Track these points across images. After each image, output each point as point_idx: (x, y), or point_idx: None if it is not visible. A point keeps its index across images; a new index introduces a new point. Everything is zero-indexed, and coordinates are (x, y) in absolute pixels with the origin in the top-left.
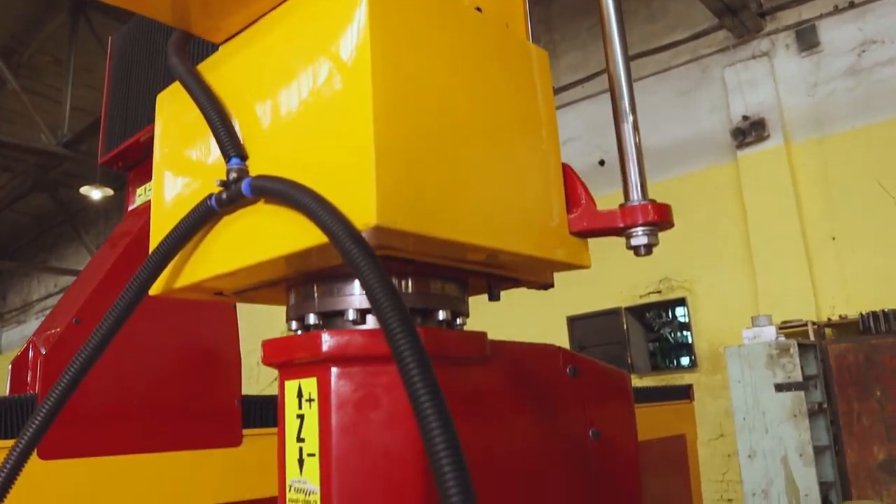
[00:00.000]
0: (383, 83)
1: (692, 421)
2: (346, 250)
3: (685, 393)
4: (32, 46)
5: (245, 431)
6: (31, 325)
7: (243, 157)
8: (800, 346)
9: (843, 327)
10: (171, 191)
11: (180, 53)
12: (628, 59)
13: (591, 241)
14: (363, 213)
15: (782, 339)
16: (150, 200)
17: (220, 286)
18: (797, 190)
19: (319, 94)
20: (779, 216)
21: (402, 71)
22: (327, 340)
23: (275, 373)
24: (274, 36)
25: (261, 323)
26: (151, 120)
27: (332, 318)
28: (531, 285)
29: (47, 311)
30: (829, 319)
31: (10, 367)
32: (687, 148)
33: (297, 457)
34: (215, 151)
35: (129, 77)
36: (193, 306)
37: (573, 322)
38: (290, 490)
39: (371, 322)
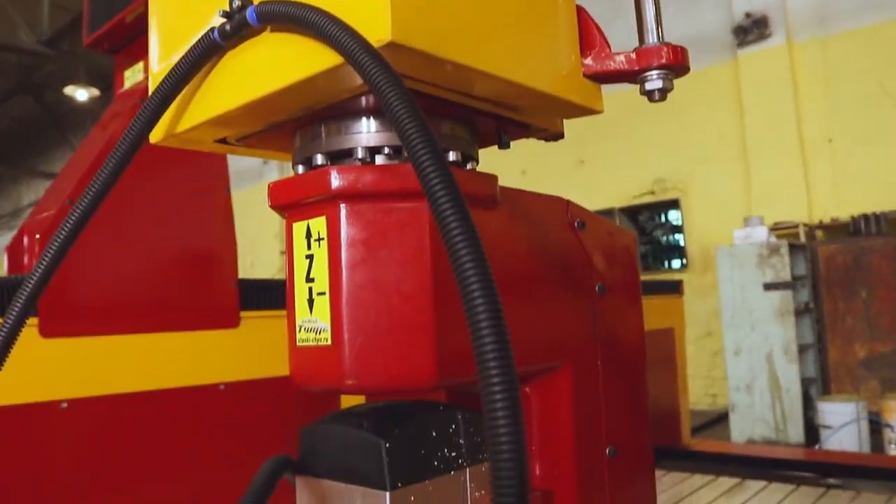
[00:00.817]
0: None
1: (681, 315)
2: (362, 64)
3: (675, 288)
4: None
5: (242, 314)
6: None
7: None
8: (790, 246)
9: (834, 230)
10: (170, 30)
11: None
12: None
13: (588, 144)
14: (377, 29)
15: (773, 239)
16: (139, 82)
17: (224, 130)
18: (797, 90)
19: None
20: (777, 117)
21: None
22: (337, 176)
23: (271, 269)
24: None
25: (250, 234)
26: None
27: (339, 159)
28: (541, 135)
29: None
30: (820, 222)
31: (5, 253)
32: (687, 46)
33: (307, 297)
34: None
35: None
36: (191, 192)
37: None
38: (300, 331)
39: (380, 160)
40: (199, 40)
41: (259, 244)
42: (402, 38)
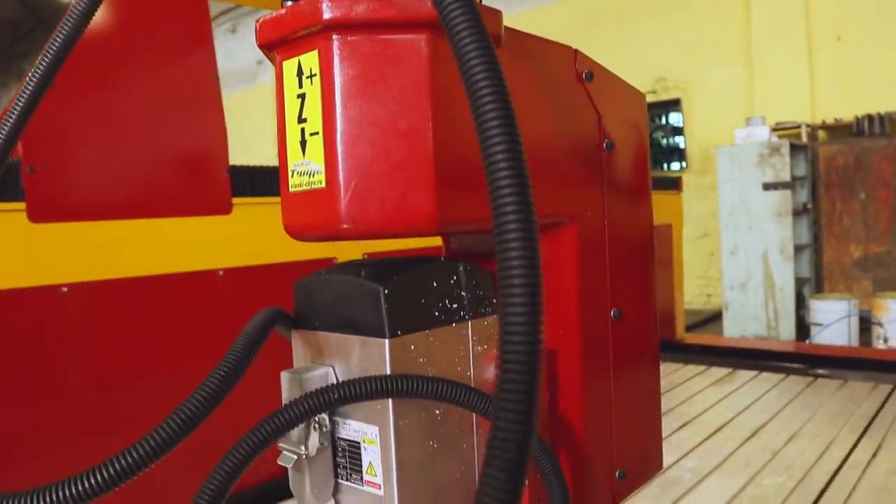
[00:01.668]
0: None
1: (679, 212)
2: None
3: (674, 184)
4: None
5: (235, 200)
6: None
7: None
8: (791, 146)
9: (837, 130)
10: None
11: None
12: None
13: (590, 38)
14: None
15: (775, 139)
16: None
17: None
18: None
19: None
20: (784, 13)
21: None
22: (328, 6)
23: None
24: None
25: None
26: None
27: None
28: None
29: None
30: (823, 122)
31: None
32: None
33: (299, 139)
34: None
35: None
36: (178, 79)
37: None
38: (292, 176)
39: None
40: None
41: (255, 146)
42: None
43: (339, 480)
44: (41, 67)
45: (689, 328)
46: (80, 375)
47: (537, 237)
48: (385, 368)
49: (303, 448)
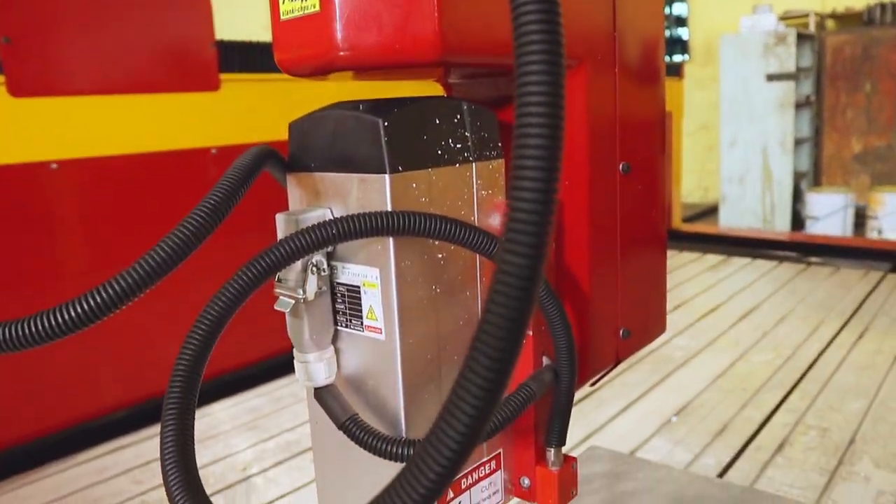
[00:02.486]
0: None
1: (680, 100)
2: None
3: (675, 71)
4: None
5: (223, 76)
6: None
7: None
8: (798, 36)
9: (847, 19)
10: None
11: None
12: None
13: None
14: None
15: (781, 28)
16: None
17: None
18: None
19: None
20: None
21: None
22: None
23: None
24: None
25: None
26: None
27: None
28: None
29: None
30: (833, 10)
31: None
32: None
33: None
34: None
35: None
36: None
37: None
38: (283, 2)
39: None
40: None
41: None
42: None
43: (338, 327)
44: None
45: (685, 221)
46: (72, 254)
47: (563, 71)
48: (386, 206)
49: (300, 292)
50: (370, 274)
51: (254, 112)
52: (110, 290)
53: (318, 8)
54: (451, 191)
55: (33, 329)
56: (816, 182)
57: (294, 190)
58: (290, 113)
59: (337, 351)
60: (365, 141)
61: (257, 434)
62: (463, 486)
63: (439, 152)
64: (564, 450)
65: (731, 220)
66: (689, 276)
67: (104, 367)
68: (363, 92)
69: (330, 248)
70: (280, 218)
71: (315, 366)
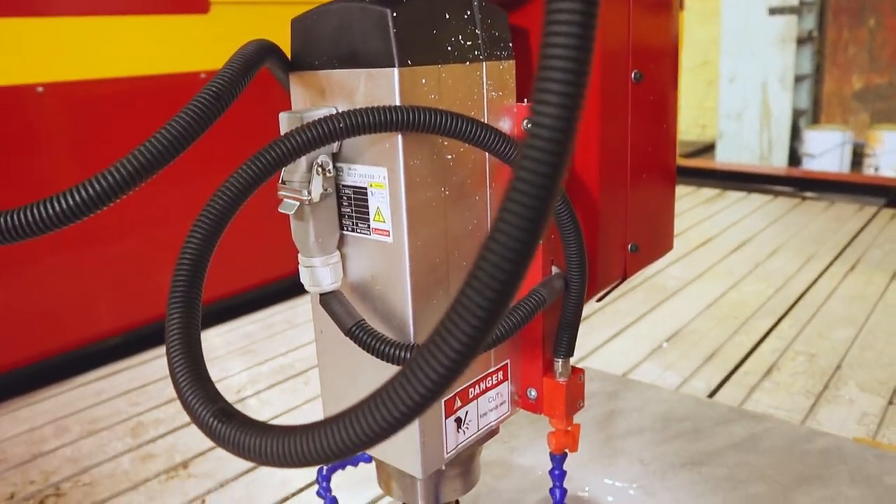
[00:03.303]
0: None
1: (679, 32)
2: None
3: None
4: None
5: None
6: None
7: None
8: None
9: None
10: None
11: None
12: None
13: None
14: None
15: None
16: None
17: None
18: None
19: None
20: None
21: None
22: None
23: None
24: None
25: None
26: None
27: None
28: None
29: None
30: None
31: None
32: None
33: None
34: None
35: None
36: None
37: None
38: None
39: None
40: None
41: None
42: None
43: (344, 232)
44: None
45: (681, 157)
46: (58, 179)
47: None
48: (394, 102)
49: (305, 193)
50: (378, 174)
51: (244, 37)
52: (110, 179)
53: None
54: (461, 89)
55: (33, 217)
56: (815, 120)
57: (297, 90)
58: (282, 39)
59: (343, 257)
60: (372, 34)
61: (252, 358)
62: (470, 396)
63: (449, 48)
64: None
65: (727, 157)
66: (683, 209)
67: (100, 293)
68: None
69: (336, 149)
70: (283, 117)
71: (321, 270)
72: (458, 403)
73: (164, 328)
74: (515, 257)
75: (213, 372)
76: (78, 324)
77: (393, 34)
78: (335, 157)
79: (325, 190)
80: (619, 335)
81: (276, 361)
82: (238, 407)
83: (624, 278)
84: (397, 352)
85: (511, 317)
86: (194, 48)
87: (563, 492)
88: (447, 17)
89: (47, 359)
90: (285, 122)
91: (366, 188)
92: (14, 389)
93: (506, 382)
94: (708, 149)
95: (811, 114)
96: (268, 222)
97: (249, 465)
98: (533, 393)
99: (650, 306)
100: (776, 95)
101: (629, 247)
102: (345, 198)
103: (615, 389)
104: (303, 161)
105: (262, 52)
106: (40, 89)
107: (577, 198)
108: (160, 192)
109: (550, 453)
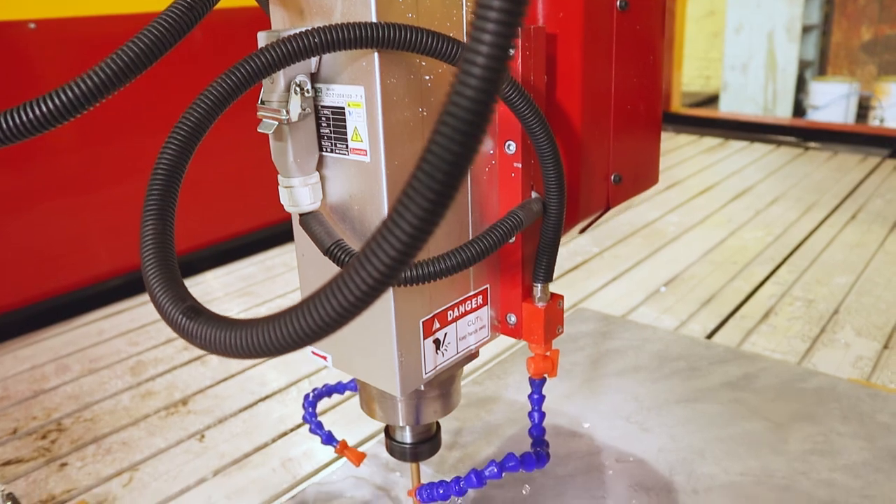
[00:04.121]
0: None
1: None
2: None
3: None
4: None
5: None
6: None
7: None
8: None
9: None
10: None
11: None
12: None
13: None
14: None
15: None
16: None
17: None
18: None
19: None
20: None
21: None
22: None
23: None
24: None
25: None
26: None
27: None
28: None
29: None
30: None
31: None
32: None
33: None
34: None
35: None
36: None
37: None
38: None
39: None
40: None
41: None
42: None
43: (324, 153)
44: None
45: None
46: None
47: None
48: (370, 19)
49: (284, 113)
50: (355, 93)
51: None
52: (94, 79)
53: None
54: (439, 10)
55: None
56: (821, 72)
57: (277, 10)
58: None
59: (322, 178)
60: None
61: (250, 299)
62: (449, 318)
63: None
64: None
65: (731, 109)
66: (685, 158)
67: (100, 235)
68: None
69: (314, 69)
70: (262, 35)
71: (299, 190)
72: (437, 325)
73: (139, 234)
74: (464, 136)
75: None
76: (78, 265)
77: None
78: (314, 78)
79: (304, 110)
80: (617, 279)
81: (275, 303)
82: None
83: (607, 209)
84: None
85: (488, 237)
86: None
87: (542, 415)
88: None
89: (48, 299)
90: (263, 40)
91: (343, 108)
92: (16, 329)
93: (485, 307)
94: (712, 100)
95: (818, 66)
96: (266, 166)
97: (248, 402)
98: (512, 318)
99: (649, 252)
100: (782, 46)
101: (612, 177)
102: (323, 118)
103: (611, 329)
104: (281, 81)
105: None
106: (32, 25)
107: (559, 125)
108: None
109: (529, 378)
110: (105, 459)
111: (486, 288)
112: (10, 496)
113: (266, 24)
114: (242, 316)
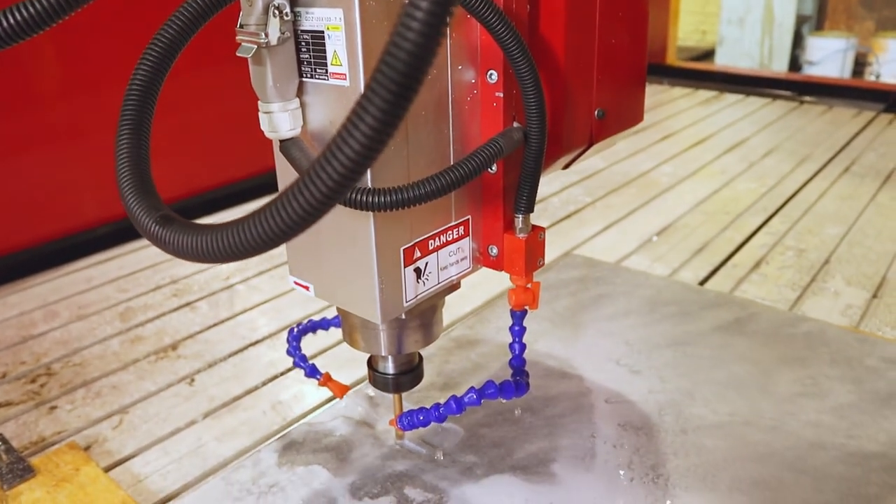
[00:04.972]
0: None
1: None
2: None
3: None
4: None
5: None
6: None
7: None
8: None
9: None
10: None
11: None
12: None
13: None
14: None
15: None
16: None
17: None
18: None
19: None
20: None
21: None
22: None
23: None
24: None
25: None
26: None
27: None
28: None
29: None
30: None
31: None
32: None
33: None
34: None
35: None
36: None
37: None
38: None
39: None
40: None
41: None
42: None
43: (304, 79)
44: None
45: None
46: (34, 49)
47: None
48: None
49: (263, 36)
50: (334, 16)
51: None
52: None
53: None
54: None
55: None
56: (819, 27)
57: None
58: None
59: (303, 105)
60: None
61: None
62: (430, 248)
63: None
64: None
65: (727, 64)
66: (679, 110)
67: (87, 183)
68: None
69: None
70: None
71: (279, 115)
72: (418, 254)
73: (114, 146)
74: (425, 34)
75: None
76: (66, 213)
77: None
78: (293, 3)
79: (283, 34)
80: (609, 228)
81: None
82: (227, 293)
83: (590, 145)
84: (356, 195)
85: (468, 162)
86: None
87: (522, 346)
88: None
89: (35, 247)
90: None
91: (323, 31)
92: (2, 277)
93: (467, 238)
94: (708, 55)
95: (815, 21)
96: (252, 115)
97: (238, 346)
98: (494, 250)
99: (641, 202)
100: (780, 0)
101: (596, 112)
102: (303, 43)
103: (603, 275)
104: (259, 3)
105: None
106: None
107: (542, 57)
108: None
109: (511, 310)
110: (95, 403)
111: (468, 219)
112: (0, 437)
113: None
114: (233, 264)
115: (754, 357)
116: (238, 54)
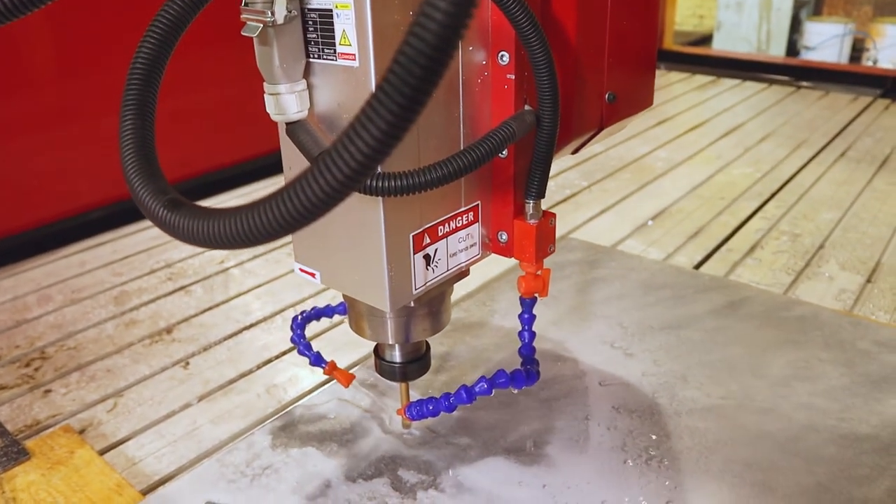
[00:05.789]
0: None
1: None
2: None
3: None
4: None
5: None
6: None
7: None
8: None
9: None
10: None
11: None
12: None
13: None
14: None
15: None
16: None
17: None
18: None
19: None
20: None
21: None
22: None
23: None
24: None
25: None
26: None
27: None
28: None
29: None
30: None
31: None
32: None
33: None
34: None
35: None
36: None
37: None
38: None
39: None
40: None
41: None
42: None
43: (311, 59)
44: None
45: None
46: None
47: None
48: None
49: (269, 15)
50: None
51: None
52: None
53: None
54: None
55: None
56: (817, 12)
57: None
58: None
59: (310, 87)
60: None
61: None
62: (440, 234)
63: None
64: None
65: (724, 49)
66: (675, 95)
67: (82, 167)
68: None
69: None
70: None
71: (286, 97)
72: (427, 240)
73: (119, 128)
74: (446, 28)
75: None
76: (59, 197)
77: None
78: None
79: (290, 12)
80: (604, 212)
81: None
82: (221, 277)
83: (600, 129)
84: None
85: (480, 147)
86: None
87: (532, 335)
88: None
89: (29, 231)
90: None
91: (331, 10)
92: None
93: (476, 224)
94: (705, 40)
95: (813, 6)
96: (256, 99)
97: (232, 330)
98: (504, 236)
99: (637, 186)
100: None
101: (607, 96)
102: (310, 22)
103: (598, 258)
104: None
105: None
106: None
107: (554, 39)
108: None
109: (520, 297)
110: (89, 386)
111: (478, 205)
112: None
113: None
114: (228, 251)
115: (748, 340)
116: (243, 33)
